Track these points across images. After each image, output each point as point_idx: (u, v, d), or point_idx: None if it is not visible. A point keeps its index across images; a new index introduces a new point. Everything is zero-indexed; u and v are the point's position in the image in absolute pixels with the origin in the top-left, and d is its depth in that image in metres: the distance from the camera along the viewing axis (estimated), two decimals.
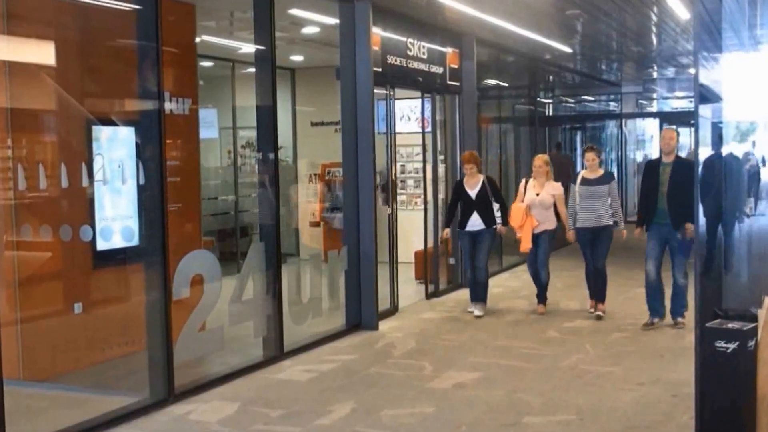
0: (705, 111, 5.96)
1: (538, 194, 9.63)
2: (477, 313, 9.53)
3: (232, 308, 7.23)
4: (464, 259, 10.01)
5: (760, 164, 8.45)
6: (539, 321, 9.18)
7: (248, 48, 9.84)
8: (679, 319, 8.65)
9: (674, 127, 9.28)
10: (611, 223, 9.24)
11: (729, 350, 4.43)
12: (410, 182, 12.72)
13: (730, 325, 4.53)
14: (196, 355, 7.01)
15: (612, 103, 22.82)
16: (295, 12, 9.31)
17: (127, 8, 6.71)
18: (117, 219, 6.75)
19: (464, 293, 10.81)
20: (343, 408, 6.23)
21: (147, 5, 6.36)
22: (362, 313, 8.91)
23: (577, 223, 9.25)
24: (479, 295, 9.66)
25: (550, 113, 17.98)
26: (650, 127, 24.05)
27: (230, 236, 12.38)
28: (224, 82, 12.41)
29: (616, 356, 7.62)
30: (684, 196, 7.69)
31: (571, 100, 20.37)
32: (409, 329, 8.92)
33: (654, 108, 27.15)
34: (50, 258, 7.02)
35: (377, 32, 9.07)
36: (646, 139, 24.44)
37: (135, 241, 6.74)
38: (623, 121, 21.87)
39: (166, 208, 6.45)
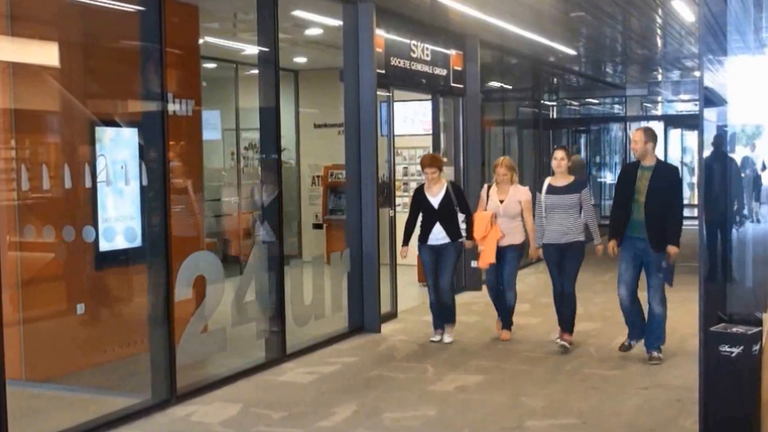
0: (710, 114, 5.94)
1: (502, 201, 8.37)
2: (446, 339, 8.34)
3: (234, 310, 7.22)
4: (426, 278, 8.58)
5: (759, 169, 8.28)
6: (541, 326, 9.14)
7: (251, 50, 9.84)
8: (654, 353, 7.45)
9: (648, 127, 7.92)
10: (582, 239, 7.93)
11: (733, 354, 4.42)
12: (413, 185, 12.71)
13: (734, 330, 4.51)
14: (199, 357, 7.01)
15: (616, 106, 22.78)
16: (299, 13, 9.30)
17: (130, 9, 6.70)
18: (120, 220, 6.75)
19: (468, 296, 10.80)
20: (345, 410, 6.22)
21: (150, 6, 6.36)
22: (365, 315, 8.90)
23: (543, 239, 7.99)
24: (447, 318, 8.43)
25: (554, 116, 17.95)
26: (655, 130, 23.99)
27: (233, 238, 12.36)
28: (227, 84, 12.40)
29: (619, 360, 7.59)
30: (664, 208, 7.15)
31: (575, 102, 20.34)
32: (411, 332, 8.90)
33: (659, 111, 27.13)
34: (53, 259, 7.01)
35: (381, 34, 9.07)
36: None
37: (137, 242, 6.74)
38: (627, 124, 21.83)
39: (168, 209, 6.44)
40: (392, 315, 9.55)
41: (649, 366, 7.36)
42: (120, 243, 6.80)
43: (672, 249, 7.15)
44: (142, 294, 6.85)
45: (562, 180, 7.91)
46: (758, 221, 7.68)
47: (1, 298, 5.10)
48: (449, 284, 8.30)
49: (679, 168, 7.85)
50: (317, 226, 13.27)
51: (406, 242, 8.42)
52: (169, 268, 6.42)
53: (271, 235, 7.66)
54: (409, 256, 8.52)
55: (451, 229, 8.25)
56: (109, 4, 6.78)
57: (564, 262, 7.90)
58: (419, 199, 8.34)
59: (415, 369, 7.39)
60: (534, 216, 8.14)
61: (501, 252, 8.32)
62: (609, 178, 21.56)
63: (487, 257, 8.35)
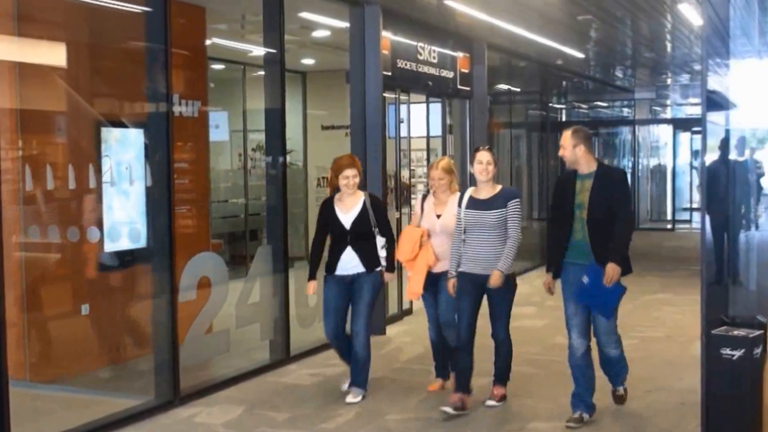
0: (718, 118, 5.93)
1: (439, 216, 6.54)
2: (351, 399, 6.44)
3: (238, 311, 7.24)
4: (326, 320, 6.56)
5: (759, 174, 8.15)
6: (547, 328, 9.12)
7: (259, 51, 9.87)
8: (620, 389, 6.30)
9: (578, 127, 6.09)
10: (511, 270, 6.19)
11: (735, 357, 4.41)
12: (420, 186, 12.70)
13: (736, 333, 4.50)
14: (202, 358, 7.02)
15: (625, 110, 22.75)
16: (306, 15, 9.32)
17: (136, 10, 6.73)
18: (124, 221, 6.76)
19: None
20: (349, 412, 6.22)
21: (156, 7, 6.38)
22: None
23: (460, 267, 6.17)
24: (357, 377, 6.51)
25: (562, 119, 17.94)
26: (664, 133, 23.99)
27: (240, 239, 12.41)
28: (235, 85, 12.44)
29: None
30: (610, 223, 5.70)
31: (583, 105, 20.33)
32: (416, 334, 8.88)
33: (668, 114, 27.08)
34: (57, 260, 7.04)
35: (387, 36, 9.08)
36: (660, 146, 24.38)
37: (142, 243, 6.75)
38: (636, 127, 21.80)
39: (173, 210, 6.46)
40: (398, 317, 9.54)
41: (652, 369, 7.34)
42: (124, 244, 6.82)
43: (611, 268, 5.63)
44: (146, 295, 6.87)
45: (486, 191, 6.12)
46: (756, 227, 7.40)
47: (4, 299, 5.13)
48: (365, 329, 6.44)
49: (627, 172, 6.70)
50: None
51: (313, 275, 6.56)
52: (173, 270, 6.44)
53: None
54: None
55: (367, 256, 6.42)
56: (115, 4, 6.80)
57: (490, 300, 6.21)
58: (327, 214, 6.52)
59: (419, 371, 7.38)
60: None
61: (435, 280, 6.48)
62: None
63: (413, 286, 6.54)
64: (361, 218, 6.40)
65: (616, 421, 5.99)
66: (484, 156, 6.09)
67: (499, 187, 6.14)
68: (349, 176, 6.38)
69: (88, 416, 5.92)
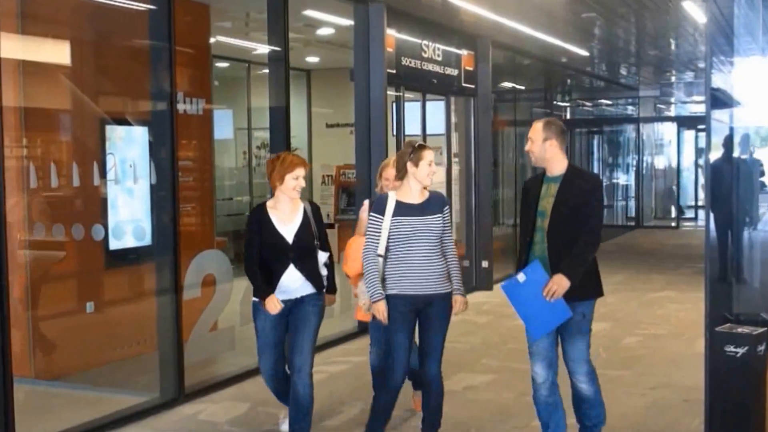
0: (722, 116, 5.92)
1: None
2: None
3: (243, 308, 7.24)
4: (263, 357, 5.41)
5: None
6: None
7: (263, 49, 9.88)
8: None
9: (550, 119, 5.19)
10: (450, 288, 5.11)
11: (738, 355, 4.40)
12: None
13: (739, 330, 4.49)
14: (207, 355, 7.03)
15: (629, 107, 22.74)
16: (310, 13, 9.32)
17: (140, 8, 6.74)
18: (129, 218, 6.79)
19: (480, 296, 10.78)
20: (352, 409, 6.23)
21: (161, 5, 6.39)
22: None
23: (388, 288, 5.01)
24: (301, 424, 5.23)
25: (567, 117, 17.91)
26: (668, 131, 23.97)
27: (244, 237, 12.42)
28: (239, 83, 12.46)
29: (627, 361, 7.58)
30: (575, 239, 4.78)
31: (587, 103, 20.30)
32: None
33: (672, 112, 27.05)
34: (62, 257, 7.06)
35: (392, 34, 9.08)
36: (664, 144, 24.37)
37: (147, 241, 6.77)
38: (640, 125, 21.77)
39: (178, 208, 6.47)
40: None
41: (656, 367, 7.35)
42: (129, 242, 6.84)
43: (557, 279, 4.69)
44: (151, 292, 6.88)
45: (417, 195, 5.08)
46: (755, 228, 7.30)
47: (8, 297, 5.15)
48: (311, 363, 5.25)
49: (601, 178, 4.83)
50: (329, 226, 13.28)
51: (265, 290, 5.19)
52: (178, 267, 6.45)
53: None
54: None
55: (313, 275, 5.30)
56: (119, 2, 6.81)
57: (425, 325, 5.13)
58: (263, 226, 5.23)
59: None
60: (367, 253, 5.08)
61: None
62: (622, 179, 21.52)
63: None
64: (304, 230, 5.23)
65: (619, 417, 5.99)
66: (431, 155, 5.10)
67: (426, 191, 5.15)
68: (300, 176, 5.17)
69: (93, 413, 5.94)
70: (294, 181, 5.14)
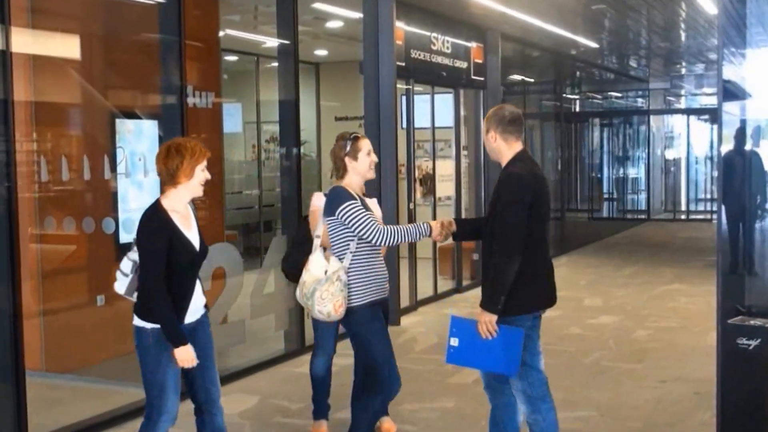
0: (733, 108, 5.89)
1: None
2: None
3: (253, 302, 7.26)
4: (171, 402, 4.35)
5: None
6: (560, 318, 9.11)
7: (272, 42, 9.87)
8: None
9: (499, 108, 4.47)
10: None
11: (751, 347, 4.38)
12: None
13: (752, 322, 4.47)
14: (217, 348, 7.02)
15: (639, 100, 22.67)
16: (319, 6, 9.31)
17: (150, 1, 6.74)
18: (139, 211, 6.78)
19: None
20: None
21: None
22: None
23: (360, 298, 4.54)
24: None
25: (576, 109, 17.87)
26: (679, 123, 23.88)
27: (254, 230, 12.45)
28: (248, 77, 12.45)
29: (639, 353, 7.56)
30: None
31: (597, 96, 20.23)
32: (430, 325, 8.90)
33: (682, 104, 26.94)
34: (73, 250, 7.07)
35: (401, 26, 9.06)
36: (675, 136, 24.28)
37: None
38: (650, 117, 21.69)
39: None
40: (412, 308, 9.54)
41: (668, 360, 7.33)
42: None
43: (483, 315, 4.17)
44: None
45: (360, 190, 4.68)
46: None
47: (21, 290, 5.17)
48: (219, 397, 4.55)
49: (520, 174, 4.13)
50: None
51: (182, 339, 4.12)
52: None
53: None
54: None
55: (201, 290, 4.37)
56: None
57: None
58: (173, 237, 4.10)
59: (434, 361, 7.39)
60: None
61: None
62: (632, 172, 21.45)
63: None
64: (201, 236, 4.30)
65: (629, 410, 5.98)
66: (368, 143, 4.65)
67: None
68: (206, 171, 4.19)
69: (103, 406, 5.97)
70: (203, 173, 4.16)
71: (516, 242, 4.14)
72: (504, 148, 4.32)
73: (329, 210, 4.54)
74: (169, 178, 4.13)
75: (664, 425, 5.70)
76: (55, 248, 7.00)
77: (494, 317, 4.17)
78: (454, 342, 4.31)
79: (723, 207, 4.98)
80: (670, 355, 7.53)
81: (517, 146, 4.34)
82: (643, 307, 9.67)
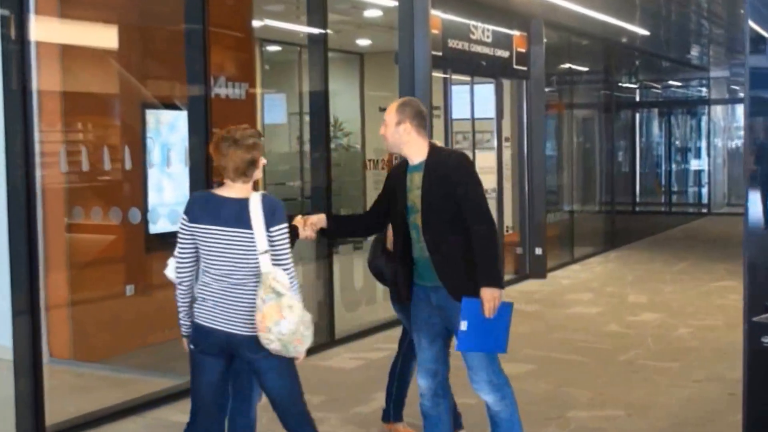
0: None
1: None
2: None
3: None
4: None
5: None
6: (600, 315, 8.87)
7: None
8: None
9: (407, 100, 4.46)
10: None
11: None
12: None
13: None
14: None
15: (702, 89, 22.04)
16: None
17: None
18: (168, 202, 6.80)
19: (531, 284, 10.58)
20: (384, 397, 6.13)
21: None
22: None
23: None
24: None
25: (630, 99, 17.41)
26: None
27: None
28: (290, 67, 12.42)
29: (677, 352, 7.32)
30: (453, 227, 4.23)
31: (656, 85, 19.71)
32: None
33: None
34: (102, 241, 7.12)
35: (437, 15, 8.90)
36: (738, 126, 23.60)
37: None
38: (711, 107, 21.09)
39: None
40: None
41: (706, 359, 7.08)
42: (169, 226, 6.85)
43: (487, 295, 4.14)
44: None
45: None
46: None
47: (38, 281, 5.20)
48: None
49: (469, 155, 5.04)
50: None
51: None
52: None
53: None
54: None
55: None
56: None
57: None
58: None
59: (455, 355, 7.25)
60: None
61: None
62: (694, 165, 20.89)
63: None
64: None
65: (658, 409, 5.78)
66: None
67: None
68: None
69: (129, 394, 6.01)
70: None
71: (490, 214, 4.32)
72: (419, 142, 4.31)
73: None
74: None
75: (690, 425, 5.50)
76: (84, 238, 7.04)
77: (499, 292, 4.18)
78: (464, 326, 4.23)
79: (750, 198, 4.75)
80: (710, 354, 7.28)
81: (426, 139, 4.37)
82: (690, 304, 9.38)
